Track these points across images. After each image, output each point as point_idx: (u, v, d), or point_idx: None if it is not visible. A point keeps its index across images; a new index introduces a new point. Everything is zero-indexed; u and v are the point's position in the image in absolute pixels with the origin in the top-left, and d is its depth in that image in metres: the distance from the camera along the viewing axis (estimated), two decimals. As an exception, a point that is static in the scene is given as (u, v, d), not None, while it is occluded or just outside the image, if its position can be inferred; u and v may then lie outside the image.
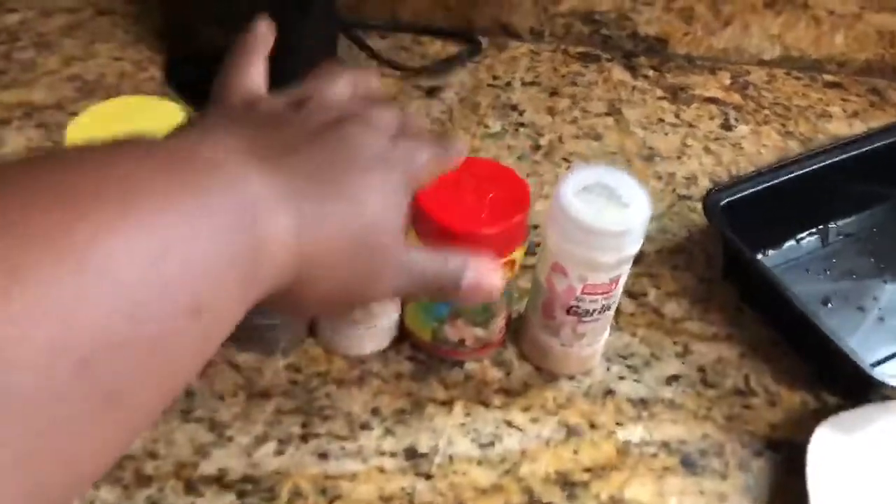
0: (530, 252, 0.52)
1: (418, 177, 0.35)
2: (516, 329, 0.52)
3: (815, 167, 0.60)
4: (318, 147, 0.31)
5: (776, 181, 0.59)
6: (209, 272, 0.24)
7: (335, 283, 0.31)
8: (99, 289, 0.20)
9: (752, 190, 0.58)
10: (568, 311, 0.48)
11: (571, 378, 0.51)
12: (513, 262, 0.47)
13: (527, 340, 0.52)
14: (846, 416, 0.48)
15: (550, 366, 0.51)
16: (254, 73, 0.36)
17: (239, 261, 0.25)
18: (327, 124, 0.33)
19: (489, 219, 0.44)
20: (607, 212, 0.43)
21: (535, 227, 0.55)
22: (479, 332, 0.50)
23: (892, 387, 0.48)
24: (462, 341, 0.50)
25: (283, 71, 0.62)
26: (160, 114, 0.47)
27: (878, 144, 0.63)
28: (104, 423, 0.21)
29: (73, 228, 0.20)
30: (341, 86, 0.37)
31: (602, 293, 0.46)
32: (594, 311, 0.47)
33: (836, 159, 0.61)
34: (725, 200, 0.56)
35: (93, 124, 0.44)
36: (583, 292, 0.46)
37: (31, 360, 0.19)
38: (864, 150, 0.62)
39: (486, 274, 0.36)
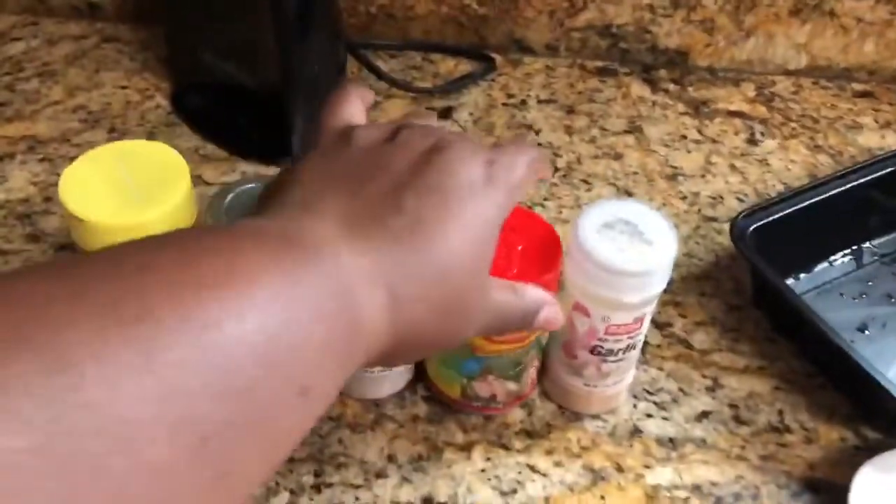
0: None
1: (521, 187, 0.35)
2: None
3: (846, 186, 0.57)
4: (412, 196, 0.31)
5: (806, 203, 0.56)
6: (312, 355, 0.25)
7: (427, 338, 0.32)
8: (219, 369, 0.22)
9: (782, 213, 0.55)
10: (591, 351, 0.45)
11: (596, 417, 0.49)
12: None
13: (549, 380, 0.49)
14: (890, 456, 0.46)
15: (574, 406, 0.49)
16: (351, 107, 0.37)
17: (338, 342, 0.27)
18: (424, 153, 0.33)
19: (520, 276, 0.42)
20: (630, 251, 0.41)
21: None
22: (512, 385, 0.47)
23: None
24: (493, 397, 0.47)
25: (287, 94, 0.60)
26: (156, 158, 0.45)
27: (914, 159, 0.60)
28: (216, 497, 0.23)
29: (195, 314, 0.22)
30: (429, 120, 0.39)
31: (626, 333, 0.44)
32: (618, 350, 0.45)
33: (870, 177, 0.58)
34: (754, 226, 0.54)
35: (89, 169, 0.43)
36: (606, 333, 0.44)
37: (162, 437, 0.20)
38: (899, 165, 0.59)
39: (556, 308, 0.37)
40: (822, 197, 0.57)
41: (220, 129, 0.64)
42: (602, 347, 0.45)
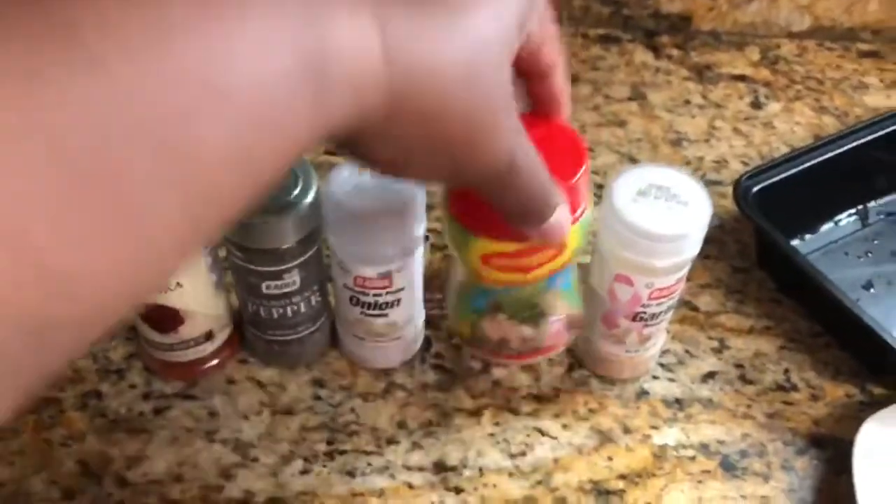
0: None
1: (534, 9, 0.29)
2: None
3: (850, 145, 0.57)
4: None
5: (810, 163, 0.56)
6: (249, 56, 0.20)
7: (435, 126, 0.25)
8: (97, 75, 0.17)
9: (786, 174, 0.55)
10: (633, 318, 0.45)
11: (603, 380, 0.50)
12: (563, 246, 0.38)
13: (586, 354, 0.50)
14: (894, 410, 0.46)
15: (615, 373, 0.49)
16: None
17: (296, 52, 0.21)
18: None
19: None
20: (670, 215, 0.41)
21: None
22: (527, 331, 0.44)
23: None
24: (505, 341, 0.45)
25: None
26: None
27: (919, 116, 0.60)
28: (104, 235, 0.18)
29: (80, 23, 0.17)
30: None
31: (668, 295, 0.44)
32: (660, 313, 0.45)
33: (874, 135, 0.58)
34: (757, 187, 0.54)
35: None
36: (650, 298, 0.44)
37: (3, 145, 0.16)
38: (904, 123, 0.59)
39: (567, 216, 0.33)
40: (825, 157, 0.57)
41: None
42: (645, 313, 0.45)
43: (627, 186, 0.43)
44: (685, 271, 0.44)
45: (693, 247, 0.42)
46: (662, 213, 0.41)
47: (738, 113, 0.67)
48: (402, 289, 0.45)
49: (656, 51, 0.73)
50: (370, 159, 0.27)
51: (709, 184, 0.61)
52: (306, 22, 0.21)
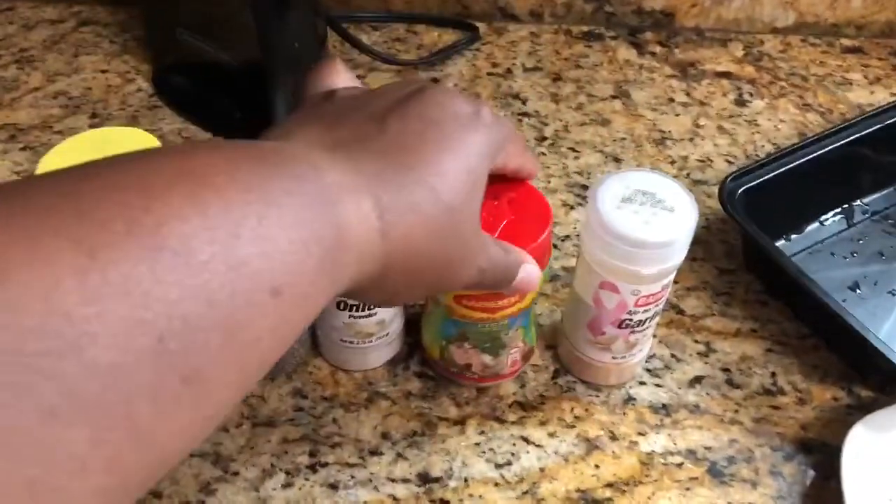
0: (551, 279, 0.49)
1: (503, 146, 0.34)
2: (553, 344, 0.50)
3: (835, 144, 0.57)
4: (399, 119, 0.30)
5: (795, 163, 0.55)
6: (286, 254, 0.24)
7: (418, 272, 0.30)
8: (174, 268, 0.21)
9: (771, 175, 0.55)
10: (619, 326, 0.45)
11: (589, 386, 0.49)
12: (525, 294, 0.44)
13: (572, 360, 0.49)
14: (881, 415, 0.46)
15: (601, 380, 0.49)
16: (336, 73, 0.35)
17: (318, 245, 0.25)
18: (409, 94, 0.32)
19: (508, 232, 0.40)
20: (656, 221, 0.40)
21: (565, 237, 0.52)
22: (488, 359, 0.47)
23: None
24: (468, 366, 0.47)
25: (268, 71, 0.59)
26: (133, 144, 0.44)
27: (904, 114, 0.59)
28: (182, 404, 0.21)
29: (149, 210, 0.21)
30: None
31: (655, 302, 0.44)
32: (646, 320, 0.45)
33: (859, 134, 0.58)
34: (742, 188, 0.53)
35: (65, 158, 0.42)
36: (636, 305, 0.44)
37: (110, 337, 0.19)
38: (889, 121, 0.59)
39: (534, 266, 0.37)
40: (811, 156, 0.56)
41: (203, 109, 0.64)
42: (631, 320, 0.44)
43: (612, 192, 0.42)
44: (671, 277, 0.44)
45: (679, 253, 0.42)
46: (648, 219, 0.41)
47: (722, 111, 0.67)
48: None
49: (639, 48, 0.72)
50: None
51: (694, 184, 0.61)
52: (326, 221, 0.26)
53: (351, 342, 0.47)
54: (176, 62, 0.65)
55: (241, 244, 0.23)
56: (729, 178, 0.53)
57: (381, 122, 0.30)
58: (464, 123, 0.31)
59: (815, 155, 0.56)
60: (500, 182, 0.40)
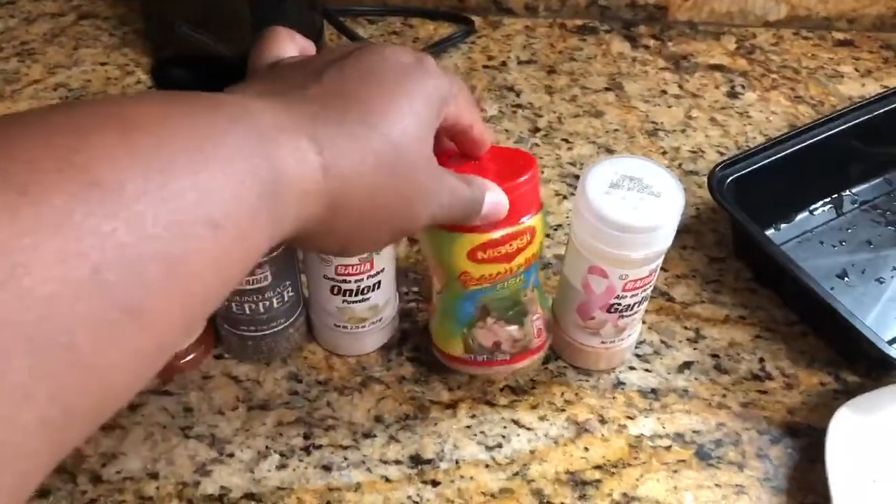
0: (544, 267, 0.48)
1: (450, 94, 0.33)
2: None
3: (824, 135, 0.58)
4: (337, 70, 0.30)
5: (785, 153, 0.56)
6: (223, 188, 0.24)
7: (371, 212, 0.30)
8: (105, 201, 0.21)
9: (760, 164, 0.55)
10: (608, 310, 0.46)
11: (580, 372, 0.50)
12: (532, 232, 0.41)
13: (562, 345, 0.50)
14: (866, 398, 0.47)
15: (591, 364, 0.50)
16: (280, 43, 0.35)
17: (254, 179, 0.26)
18: (350, 51, 0.32)
19: (496, 180, 0.39)
20: (643, 207, 0.41)
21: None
22: (514, 331, 0.46)
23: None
24: (497, 345, 0.46)
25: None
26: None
27: (894, 105, 0.60)
28: (125, 336, 0.22)
29: (78, 150, 0.21)
30: None
31: (643, 286, 0.44)
32: (635, 304, 0.46)
33: (849, 125, 0.58)
34: (732, 177, 0.54)
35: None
36: (624, 289, 0.44)
37: (45, 268, 0.20)
38: (878, 112, 0.60)
39: (500, 193, 0.37)
40: (800, 146, 0.57)
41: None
42: (620, 304, 0.45)
43: (600, 178, 0.43)
44: (659, 262, 0.44)
45: (666, 238, 0.42)
46: (635, 204, 0.41)
47: (714, 103, 0.67)
48: (381, 270, 0.45)
49: (633, 41, 0.73)
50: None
51: (685, 174, 0.62)
52: (261, 157, 0.26)
53: (345, 327, 0.48)
54: (175, 55, 0.66)
55: (173, 178, 0.23)
56: (718, 167, 0.54)
57: (318, 75, 0.30)
58: (406, 71, 0.31)
59: (804, 145, 0.57)
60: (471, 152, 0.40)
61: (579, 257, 0.44)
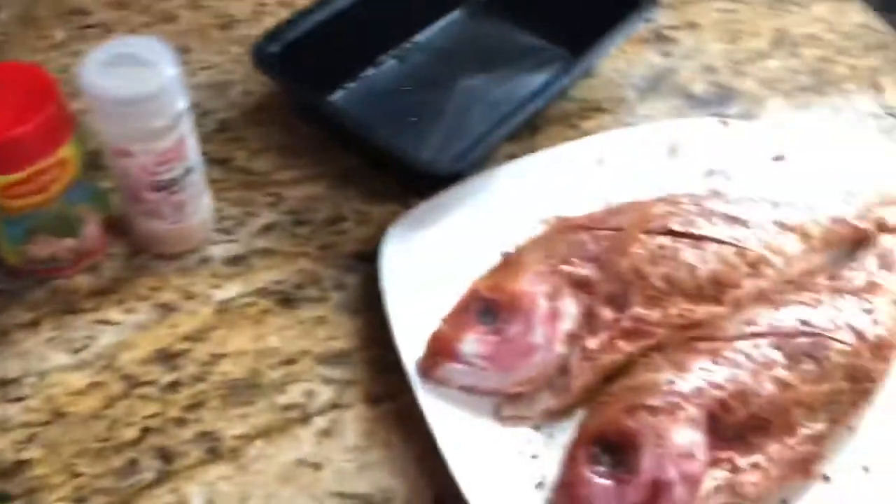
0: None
1: None
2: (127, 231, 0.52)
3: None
4: None
5: (331, 15, 0.59)
6: None
7: None
8: None
9: (306, 30, 0.58)
10: (156, 189, 0.47)
11: (164, 258, 0.51)
12: (65, 162, 0.45)
13: (139, 238, 0.51)
14: (415, 212, 0.52)
15: (170, 248, 0.51)
16: None
17: None
18: None
19: (18, 120, 0.42)
20: (138, 78, 0.43)
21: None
22: (70, 242, 0.48)
23: (445, 174, 0.52)
24: (54, 256, 0.48)
25: None
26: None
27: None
28: None
29: None
30: None
31: (176, 158, 0.46)
32: (178, 178, 0.47)
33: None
34: (279, 49, 0.56)
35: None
36: (156, 164, 0.46)
37: None
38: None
39: None
40: (346, 5, 0.60)
41: None
42: (161, 180, 0.47)
43: (95, 63, 0.44)
44: (183, 132, 0.46)
45: (170, 105, 0.44)
46: (130, 78, 0.43)
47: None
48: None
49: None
50: None
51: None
52: None
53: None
54: None
55: None
56: (261, 40, 0.56)
57: None
58: None
59: (347, 4, 0.60)
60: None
61: (104, 144, 0.45)
